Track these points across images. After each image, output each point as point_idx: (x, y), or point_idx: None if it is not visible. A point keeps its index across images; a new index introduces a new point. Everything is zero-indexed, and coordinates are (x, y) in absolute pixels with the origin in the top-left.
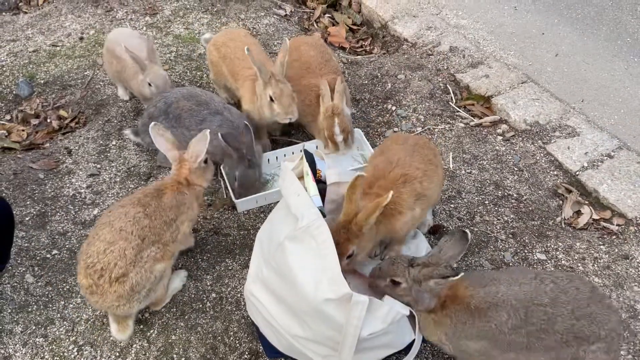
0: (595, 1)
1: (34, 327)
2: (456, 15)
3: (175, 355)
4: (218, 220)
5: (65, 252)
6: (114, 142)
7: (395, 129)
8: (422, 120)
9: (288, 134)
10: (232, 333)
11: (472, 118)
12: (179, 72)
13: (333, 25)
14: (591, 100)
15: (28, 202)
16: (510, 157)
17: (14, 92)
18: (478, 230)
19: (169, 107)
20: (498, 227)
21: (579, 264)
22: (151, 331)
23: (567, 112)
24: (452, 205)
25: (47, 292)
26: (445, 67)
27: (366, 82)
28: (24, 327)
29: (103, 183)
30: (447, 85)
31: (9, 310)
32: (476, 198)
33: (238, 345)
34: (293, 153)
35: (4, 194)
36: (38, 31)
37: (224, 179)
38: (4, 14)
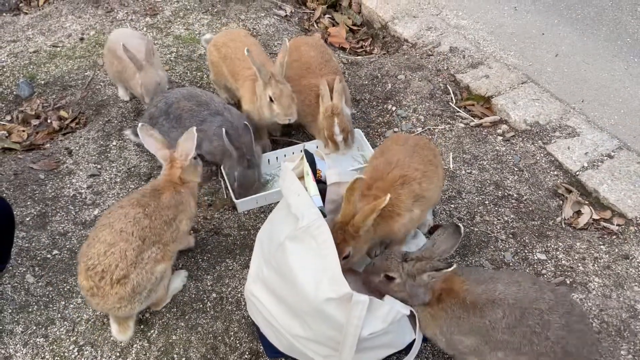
0: (595, 1)
1: (34, 327)
2: (456, 16)
3: (175, 355)
4: (218, 221)
5: (65, 252)
6: (114, 143)
7: (396, 129)
8: (422, 120)
9: (288, 134)
10: (232, 333)
11: (472, 118)
12: (180, 72)
13: (333, 25)
14: (591, 101)
15: (28, 203)
16: (510, 157)
17: (15, 92)
18: (478, 230)
19: (169, 108)
20: (498, 227)
21: (579, 264)
22: (152, 331)
23: (567, 112)
24: (452, 206)
25: (47, 292)
26: (445, 68)
27: (366, 82)
28: (24, 327)
29: (103, 183)
30: (447, 86)
31: (10, 311)
32: (476, 198)
33: (238, 345)
34: (293, 153)
35: (4, 195)
36: (38, 32)
37: (224, 179)
38: (4, 14)
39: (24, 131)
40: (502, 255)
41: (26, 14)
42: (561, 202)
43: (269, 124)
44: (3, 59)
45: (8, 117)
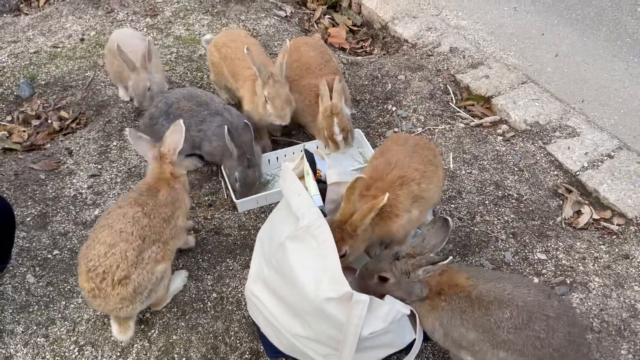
0: (595, 2)
1: (35, 327)
2: (456, 16)
3: (176, 355)
4: (219, 221)
5: (66, 252)
6: (114, 143)
7: (396, 130)
8: (423, 120)
9: (289, 134)
10: (232, 333)
11: (473, 118)
12: (180, 73)
13: (333, 26)
14: (591, 101)
15: (29, 203)
16: (510, 157)
17: (15, 93)
18: (478, 230)
19: (169, 108)
20: (498, 227)
21: (580, 264)
22: (152, 331)
23: (567, 112)
24: (452, 205)
25: (48, 292)
26: (445, 68)
27: (366, 82)
28: (25, 327)
29: (104, 183)
30: (447, 86)
31: (10, 311)
32: (476, 198)
33: (239, 345)
34: (294, 153)
35: (5, 195)
36: (39, 32)
37: (224, 179)
38: (4, 15)
39: (24, 131)
40: (502, 255)
41: (26, 14)
42: (561, 202)
43: (269, 124)
44: (4, 60)
45: (9, 118)
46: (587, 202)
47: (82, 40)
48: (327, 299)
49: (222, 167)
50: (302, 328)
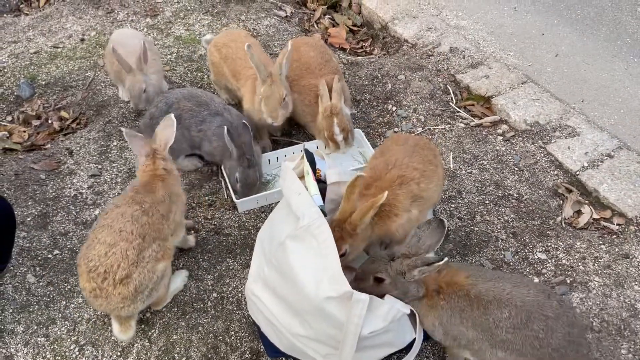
0: (595, 2)
1: (35, 327)
2: (456, 16)
3: (176, 355)
4: (219, 220)
5: (66, 252)
6: (115, 143)
7: (396, 130)
8: (423, 120)
9: (289, 134)
10: (233, 332)
11: (473, 118)
12: (180, 73)
13: (333, 26)
14: (591, 101)
15: (29, 203)
16: (510, 157)
17: (16, 93)
18: (479, 230)
19: (169, 108)
20: (498, 227)
21: (580, 264)
22: (152, 331)
23: (567, 112)
24: (452, 205)
25: (48, 292)
26: (445, 68)
27: (366, 82)
28: (25, 326)
29: (104, 183)
30: (447, 86)
31: (11, 310)
32: (477, 198)
33: (239, 344)
34: (294, 153)
35: (5, 195)
36: (39, 33)
37: (224, 179)
38: (5, 15)
39: (24, 132)
40: (503, 255)
41: (27, 15)
42: (561, 201)
43: (269, 124)
44: (4, 60)
45: (9, 118)
46: (587, 201)
47: (82, 40)
48: (327, 298)
49: (222, 167)
50: (302, 327)
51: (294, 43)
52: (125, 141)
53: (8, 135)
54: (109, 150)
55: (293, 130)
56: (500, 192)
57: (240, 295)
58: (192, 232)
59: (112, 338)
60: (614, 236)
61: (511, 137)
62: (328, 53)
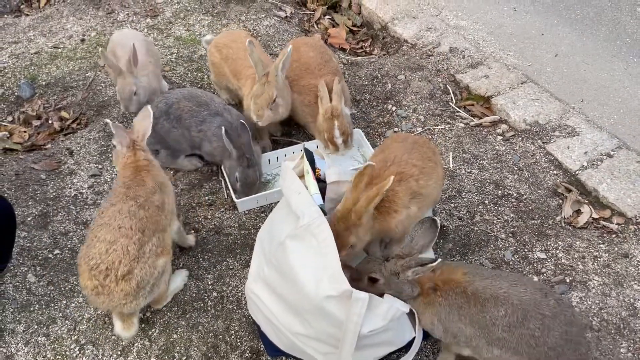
0: (594, 2)
1: (36, 327)
2: (456, 16)
3: (176, 354)
4: (219, 220)
5: (67, 251)
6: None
7: (396, 129)
8: (422, 120)
9: (289, 134)
10: (233, 332)
11: (472, 118)
12: (180, 73)
13: (333, 26)
14: (591, 100)
15: (30, 203)
16: (510, 157)
17: (16, 93)
18: (478, 230)
19: (169, 108)
20: (498, 226)
21: (579, 263)
22: (153, 330)
23: (566, 112)
24: (452, 205)
25: (49, 292)
26: (445, 68)
27: (366, 82)
28: (26, 326)
29: (104, 183)
30: (447, 86)
31: (11, 310)
32: (476, 197)
33: (239, 343)
34: (294, 153)
35: (6, 195)
36: (40, 33)
37: (224, 179)
38: (5, 16)
39: (25, 132)
40: (502, 254)
41: (27, 15)
42: (561, 201)
43: (269, 124)
44: (5, 60)
45: (9, 118)
46: (586, 201)
47: (82, 40)
48: (326, 297)
49: (222, 167)
50: (302, 326)
51: (293, 43)
52: None
53: (8, 135)
54: (109, 150)
55: (293, 130)
56: (499, 191)
57: (240, 294)
58: (192, 231)
59: (113, 337)
60: (614, 235)
61: (511, 136)
62: (328, 53)
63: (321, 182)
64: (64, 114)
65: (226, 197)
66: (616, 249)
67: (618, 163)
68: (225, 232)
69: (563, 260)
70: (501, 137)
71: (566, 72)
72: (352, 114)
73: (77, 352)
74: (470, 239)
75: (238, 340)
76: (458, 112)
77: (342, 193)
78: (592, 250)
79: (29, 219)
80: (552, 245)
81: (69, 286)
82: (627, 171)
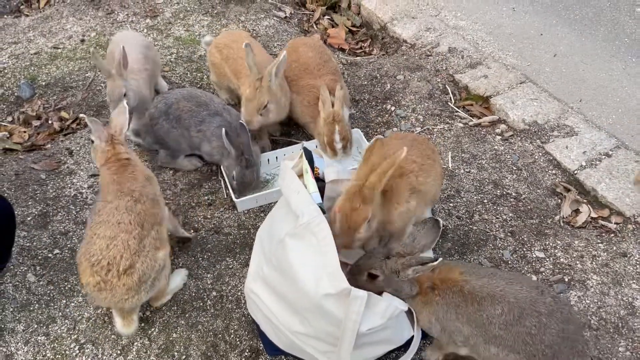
0: (593, 2)
1: (35, 326)
2: (455, 17)
3: (176, 353)
4: (218, 220)
5: (66, 251)
6: None
7: (395, 129)
8: (421, 120)
9: (288, 134)
10: (232, 331)
11: (471, 118)
12: (180, 73)
13: (332, 27)
14: (589, 100)
15: (30, 203)
16: (509, 157)
17: (16, 93)
18: (477, 229)
19: (169, 108)
20: (497, 226)
21: (578, 262)
22: (152, 329)
23: (565, 111)
24: (451, 204)
25: (48, 291)
26: (444, 68)
27: (365, 82)
28: (25, 325)
29: None
30: (446, 86)
31: (11, 309)
32: (475, 197)
33: (239, 342)
34: (293, 153)
35: (5, 195)
36: (39, 33)
37: (224, 179)
38: (5, 16)
39: (25, 132)
40: (501, 254)
41: (27, 15)
42: (559, 200)
43: (268, 124)
44: (4, 61)
45: (9, 118)
46: (585, 200)
47: (82, 41)
48: (325, 295)
49: (221, 167)
50: (301, 325)
51: (292, 43)
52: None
53: (8, 135)
54: None
55: (292, 130)
56: (498, 191)
57: (239, 293)
58: (192, 231)
59: (112, 336)
60: (612, 235)
61: (510, 136)
62: (327, 53)
63: (320, 181)
64: (63, 114)
65: (225, 196)
66: (615, 248)
67: (616, 162)
68: (224, 232)
69: (562, 260)
70: (500, 137)
71: (565, 72)
72: (351, 114)
73: (77, 351)
74: (469, 238)
75: (237, 340)
76: (457, 112)
77: (340, 192)
78: (590, 250)
79: (28, 218)
80: (551, 244)
81: (69, 285)
82: (626, 171)
